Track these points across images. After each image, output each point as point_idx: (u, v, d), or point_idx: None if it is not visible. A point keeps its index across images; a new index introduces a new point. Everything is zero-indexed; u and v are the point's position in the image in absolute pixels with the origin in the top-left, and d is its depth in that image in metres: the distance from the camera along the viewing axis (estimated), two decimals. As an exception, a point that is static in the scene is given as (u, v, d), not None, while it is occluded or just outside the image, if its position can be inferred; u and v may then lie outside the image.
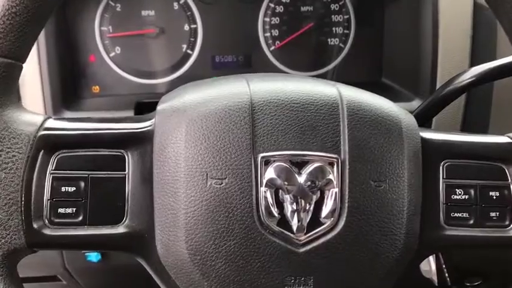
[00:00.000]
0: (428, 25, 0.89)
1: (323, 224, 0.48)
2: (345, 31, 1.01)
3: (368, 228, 0.49)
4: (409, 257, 0.51)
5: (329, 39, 1.01)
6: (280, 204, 0.48)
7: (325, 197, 0.49)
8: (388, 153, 0.50)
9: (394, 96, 0.95)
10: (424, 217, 0.52)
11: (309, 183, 0.48)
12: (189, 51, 0.98)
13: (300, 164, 0.49)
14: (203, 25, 0.97)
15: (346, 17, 1.01)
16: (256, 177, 0.48)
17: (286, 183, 0.48)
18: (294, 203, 0.48)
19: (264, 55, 1.00)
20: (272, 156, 0.48)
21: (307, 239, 0.48)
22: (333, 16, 1.01)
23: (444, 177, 0.54)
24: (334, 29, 1.01)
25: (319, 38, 1.01)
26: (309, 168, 0.49)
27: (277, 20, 0.99)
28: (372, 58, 1.02)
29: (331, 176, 0.49)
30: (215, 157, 0.48)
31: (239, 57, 1.00)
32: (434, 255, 0.78)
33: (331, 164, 0.49)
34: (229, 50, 0.99)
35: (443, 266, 0.83)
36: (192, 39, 0.97)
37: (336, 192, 0.49)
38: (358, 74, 1.02)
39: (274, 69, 1.00)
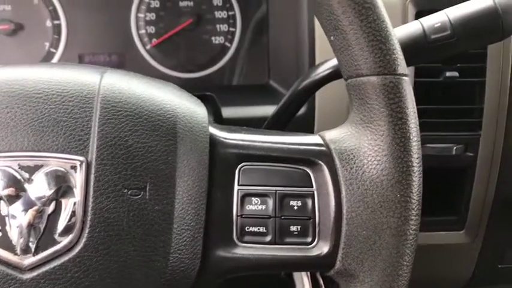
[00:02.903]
0: (305, 21, 0.81)
1: (58, 242, 0.39)
2: (231, 29, 0.93)
3: (119, 247, 0.39)
4: (184, 285, 0.42)
5: (213, 38, 0.93)
6: (2, 219, 0.39)
7: (62, 208, 0.39)
8: (151, 155, 0.41)
9: (279, 101, 0.88)
10: (210, 233, 0.43)
11: (40, 191, 0.39)
12: (52, 49, 0.88)
13: (33, 168, 0.39)
14: (68, 21, 0.88)
15: (231, 13, 0.92)
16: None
17: (9, 192, 0.39)
18: (18, 217, 0.39)
19: (139, 54, 0.90)
20: (-6, 158, 0.39)
21: (36, 263, 0.38)
22: (216, 12, 0.92)
23: (239, 183, 0.45)
24: (218, 26, 0.93)
25: (202, 36, 0.92)
26: (42, 173, 0.39)
27: (153, 16, 0.90)
28: (260, 59, 0.94)
29: (71, 183, 0.39)
30: None
31: (111, 56, 0.91)
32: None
33: (74, 168, 0.40)
34: (100, 48, 0.90)
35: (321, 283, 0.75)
36: (55, 36, 0.88)
37: (76, 203, 0.39)
38: (246, 76, 0.94)
39: (151, 70, 0.91)
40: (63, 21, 0.88)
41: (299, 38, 0.83)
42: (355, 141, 0.43)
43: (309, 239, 0.44)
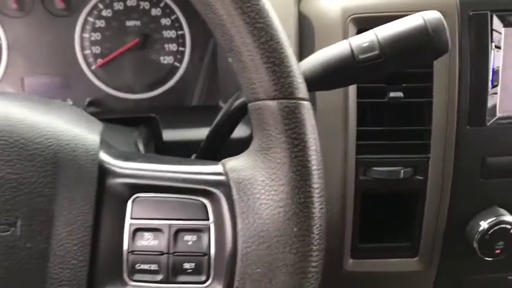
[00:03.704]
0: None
1: None
2: (180, 48, 0.90)
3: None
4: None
5: (161, 58, 0.90)
6: None
7: None
8: (25, 187, 0.38)
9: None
10: (97, 271, 0.40)
11: None
12: (-7, 71, 0.86)
13: None
14: (8, 42, 0.86)
15: (180, 32, 0.90)
16: None
17: None
18: None
19: (84, 75, 0.88)
20: None
21: None
22: (164, 32, 0.90)
23: (132, 216, 0.41)
24: (166, 46, 0.90)
25: (150, 56, 0.89)
26: None
27: (98, 35, 0.88)
28: (210, 79, 0.91)
29: None
30: None
31: (55, 77, 0.88)
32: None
33: None
34: (43, 70, 0.87)
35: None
36: (-4, 57, 0.86)
37: None
38: (196, 97, 0.91)
39: (96, 91, 0.88)
40: (3, 42, 0.85)
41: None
42: (252, 170, 0.40)
43: (203, 278, 0.40)
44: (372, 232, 0.79)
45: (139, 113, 0.85)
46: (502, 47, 0.72)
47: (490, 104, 0.73)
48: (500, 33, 0.72)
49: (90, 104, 0.89)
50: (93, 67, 0.88)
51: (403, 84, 0.72)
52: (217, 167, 0.42)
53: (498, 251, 0.77)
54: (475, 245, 0.76)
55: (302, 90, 0.40)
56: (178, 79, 0.90)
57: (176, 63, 0.90)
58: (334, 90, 0.71)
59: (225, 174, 0.41)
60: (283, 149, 0.39)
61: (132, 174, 0.42)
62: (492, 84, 0.73)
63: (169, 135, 0.79)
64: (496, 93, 0.74)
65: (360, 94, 0.72)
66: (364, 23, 0.70)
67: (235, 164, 0.41)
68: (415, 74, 0.72)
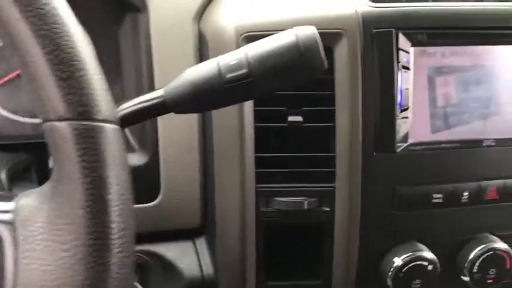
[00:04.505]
0: (142, 60, 0.73)
1: None
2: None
3: None
4: None
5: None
6: None
7: None
8: None
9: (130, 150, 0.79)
10: None
11: None
12: None
13: None
14: None
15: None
16: None
17: None
18: None
19: (-23, 98, 0.82)
20: None
21: None
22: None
23: None
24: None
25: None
26: None
27: (-9, 56, 0.82)
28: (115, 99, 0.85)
29: None
30: None
31: None
32: None
33: None
34: None
35: None
36: None
37: None
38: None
39: (-8, 114, 0.82)
40: None
41: (141, 81, 0.75)
42: (40, 206, 0.34)
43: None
44: (281, 269, 0.73)
45: (36, 138, 0.79)
46: (411, 68, 0.68)
47: (400, 128, 0.67)
48: (408, 52, 0.67)
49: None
50: (-13, 89, 0.82)
51: (303, 108, 0.67)
52: (8, 204, 0.36)
53: (414, 290, 0.70)
54: (389, 283, 0.70)
55: (101, 109, 0.34)
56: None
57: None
58: (229, 112, 0.67)
59: (15, 211, 0.35)
60: (73, 180, 0.32)
61: None
62: (401, 107, 0.68)
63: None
64: (407, 117, 0.68)
65: (257, 118, 0.66)
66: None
67: (27, 199, 0.35)
68: (316, 96, 0.66)
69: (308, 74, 0.50)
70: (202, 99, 0.52)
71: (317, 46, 0.48)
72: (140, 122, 0.55)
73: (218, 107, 0.53)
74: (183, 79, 0.52)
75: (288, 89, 0.67)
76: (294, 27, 0.49)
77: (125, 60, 0.78)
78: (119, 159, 0.34)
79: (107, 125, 0.34)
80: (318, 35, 0.49)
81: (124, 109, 0.53)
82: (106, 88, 0.35)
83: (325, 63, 0.49)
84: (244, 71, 0.49)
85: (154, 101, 0.52)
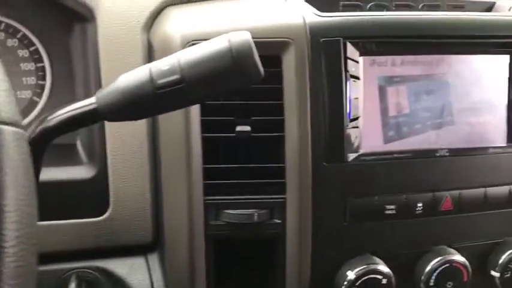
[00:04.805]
0: (90, 68, 0.72)
1: None
2: (39, 82, 0.83)
3: None
4: None
5: (18, 92, 0.83)
6: None
7: None
8: None
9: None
10: None
11: None
12: None
13: None
14: None
15: (39, 65, 0.83)
16: None
17: None
18: None
19: None
20: None
21: None
22: (22, 64, 0.83)
23: None
24: (24, 79, 0.83)
25: (5, 90, 0.82)
26: None
27: None
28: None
29: None
30: None
31: None
32: None
33: None
34: None
35: None
36: None
37: None
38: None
39: None
40: None
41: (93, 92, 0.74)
42: None
43: None
44: (233, 282, 0.71)
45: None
46: (361, 77, 0.67)
47: (350, 138, 0.66)
48: (358, 62, 0.67)
49: None
50: None
51: (252, 118, 0.65)
52: None
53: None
54: (343, 297, 0.68)
55: None
56: (37, 114, 0.82)
57: (35, 98, 0.82)
58: (175, 122, 0.65)
59: None
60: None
61: None
62: (351, 116, 0.67)
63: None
64: (357, 127, 0.67)
65: (205, 128, 0.65)
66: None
67: None
68: (265, 106, 0.65)
69: (243, 81, 0.49)
70: (134, 106, 0.50)
71: (250, 51, 0.47)
72: (74, 130, 0.54)
73: (152, 114, 0.51)
74: (115, 86, 0.50)
75: (236, 98, 0.66)
76: (229, 33, 0.48)
77: (76, 68, 0.77)
78: (18, 163, 0.32)
79: (5, 127, 0.32)
80: (252, 41, 0.48)
81: (55, 117, 0.52)
82: (6, 90, 0.33)
83: (261, 70, 0.48)
84: (176, 76, 0.48)
85: (86, 109, 0.50)
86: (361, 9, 0.75)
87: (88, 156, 0.74)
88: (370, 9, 0.75)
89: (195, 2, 0.75)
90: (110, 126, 0.71)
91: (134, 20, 0.70)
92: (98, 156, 0.72)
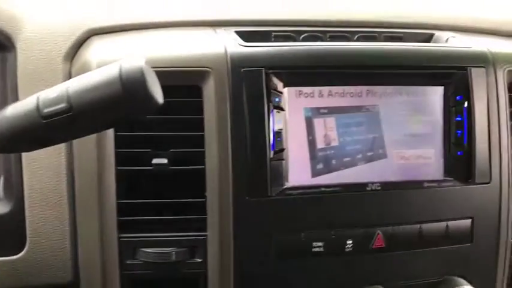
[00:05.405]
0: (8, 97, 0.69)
1: None
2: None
3: None
4: None
5: None
6: None
7: None
8: None
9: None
10: None
11: None
12: None
13: None
14: None
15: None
16: None
17: None
18: None
19: None
20: None
21: None
22: None
23: None
24: None
25: None
26: None
27: None
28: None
29: None
30: None
31: None
32: None
33: None
34: None
35: None
36: None
37: None
38: None
39: None
40: None
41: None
42: None
43: None
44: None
45: None
46: (286, 108, 0.65)
47: (274, 171, 0.63)
48: (282, 92, 0.65)
49: None
50: None
51: (171, 150, 0.63)
52: None
53: None
54: None
55: None
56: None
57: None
58: (88, 155, 0.62)
59: None
60: None
61: None
62: (274, 148, 0.64)
63: None
64: (282, 160, 0.65)
65: (120, 161, 0.62)
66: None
67: None
68: (184, 137, 0.62)
69: (137, 109, 0.46)
70: (20, 136, 0.47)
71: (141, 78, 0.44)
72: None
73: (40, 146, 0.48)
74: (1, 116, 0.47)
75: (154, 129, 0.63)
76: (122, 59, 0.46)
77: None
78: None
79: None
80: (146, 67, 0.45)
81: None
82: None
83: (156, 98, 0.46)
84: (63, 105, 0.45)
85: None
86: (294, 40, 0.74)
87: (4, 189, 0.70)
88: (303, 40, 0.73)
89: (122, 31, 0.73)
90: (26, 159, 0.67)
91: (56, 49, 0.68)
92: (15, 190, 0.68)
